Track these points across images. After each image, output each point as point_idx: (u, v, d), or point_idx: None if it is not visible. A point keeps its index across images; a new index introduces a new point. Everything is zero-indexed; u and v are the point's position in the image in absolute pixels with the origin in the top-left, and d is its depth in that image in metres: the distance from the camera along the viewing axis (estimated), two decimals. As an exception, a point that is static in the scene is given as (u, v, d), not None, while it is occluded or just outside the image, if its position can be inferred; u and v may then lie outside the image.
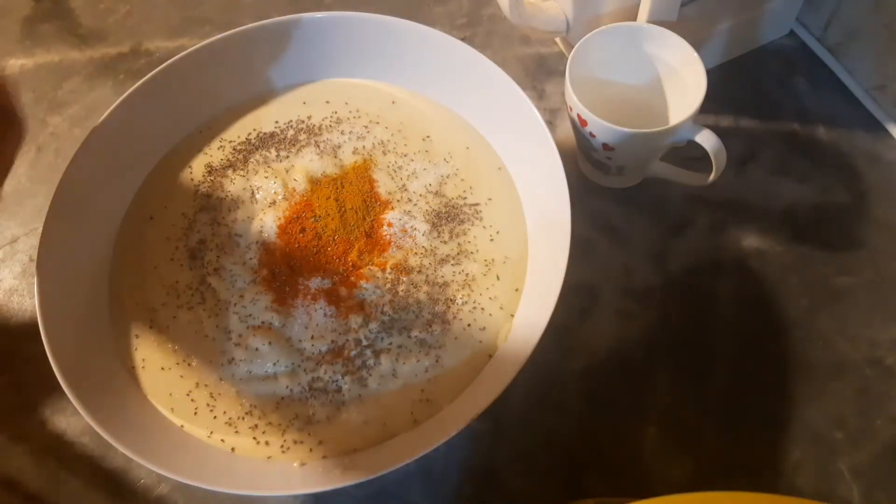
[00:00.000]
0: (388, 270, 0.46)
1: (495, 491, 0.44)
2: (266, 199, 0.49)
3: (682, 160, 0.51)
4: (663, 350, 0.47)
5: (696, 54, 0.45)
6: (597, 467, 0.44)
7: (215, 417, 0.43)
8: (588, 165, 0.51)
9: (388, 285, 0.45)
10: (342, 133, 0.52)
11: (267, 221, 0.48)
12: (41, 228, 0.45)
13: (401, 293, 0.45)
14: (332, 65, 0.53)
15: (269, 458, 0.42)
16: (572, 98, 0.45)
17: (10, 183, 0.56)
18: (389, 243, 0.47)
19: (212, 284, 0.47)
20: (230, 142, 0.52)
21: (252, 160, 0.51)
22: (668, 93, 0.49)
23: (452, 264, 0.47)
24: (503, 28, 0.60)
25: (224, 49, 0.51)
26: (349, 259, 0.47)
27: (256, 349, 0.44)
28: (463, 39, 0.50)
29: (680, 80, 0.47)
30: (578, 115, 0.45)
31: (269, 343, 0.44)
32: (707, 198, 0.51)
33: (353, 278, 0.46)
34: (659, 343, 0.47)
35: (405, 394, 0.43)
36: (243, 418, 0.43)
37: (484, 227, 0.48)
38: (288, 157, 0.51)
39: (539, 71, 0.58)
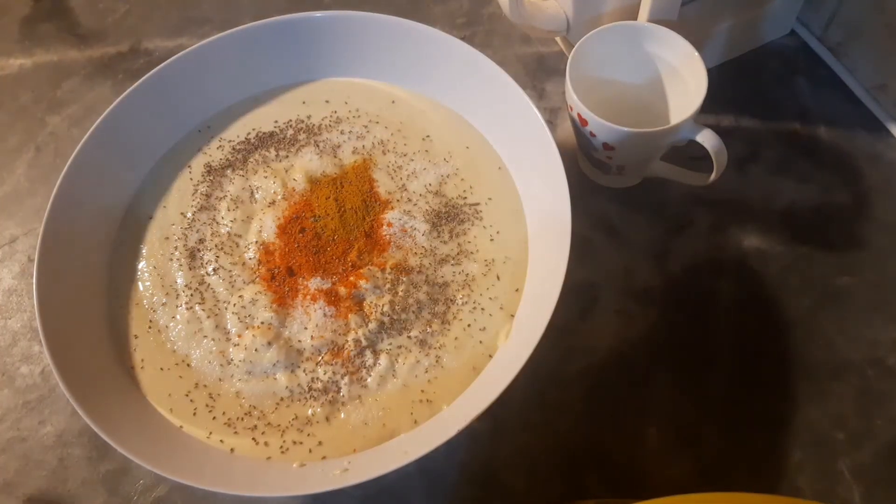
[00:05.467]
0: (388, 270, 0.46)
1: (495, 491, 0.44)
2: (265, 199, 0.49)
3: (682, 160, 0.51)
4: (663, 350, 0.47)
5: (696, 54, 0.45)
6: (597, 467, 0.44)
7: (214, 418, 0.43)
8: (588, 165, 0.51)
9: (388, 285, 0.45)
10: (342, 133, 0.52)
11: (266, 221, 0.48)
12: (41, 228, 0.45)
13: (400, 293, 0.45)
14: (331, 65, 0.53)
15: (268, 458, 0.42)
16: (572, 97, 0.45)
17: (9, 183, 0.57)
18: (389, 243, 0.47)
19: (211, 284, 0.47)
20: (230, 141, 0.52)
21: (251, 160, 0.51)
22: (669, 92, 0.49)
23: (452, 264, 0.47)
24: (503, 27, 0.60)
25: (224, 49, 0.51)
26: (349, 259, 0.46)
27: (256, 349, 0.44)
28: (463, 39, 0.50)
29: (680, 80, 0.47)
30: (579, 115, 0.45)
31: (269, 343, 0.44)
32: (707, 198, 0.51)
33: (352, 278, 0.46)
34: (659, 343, 0.47)
35: (405, 394, 0.43)
36: (242, 419, 0.43)
37: (484, 227, 0.48)
38: (287, 156, 0.51)
39: (539, 70, 0.58)
